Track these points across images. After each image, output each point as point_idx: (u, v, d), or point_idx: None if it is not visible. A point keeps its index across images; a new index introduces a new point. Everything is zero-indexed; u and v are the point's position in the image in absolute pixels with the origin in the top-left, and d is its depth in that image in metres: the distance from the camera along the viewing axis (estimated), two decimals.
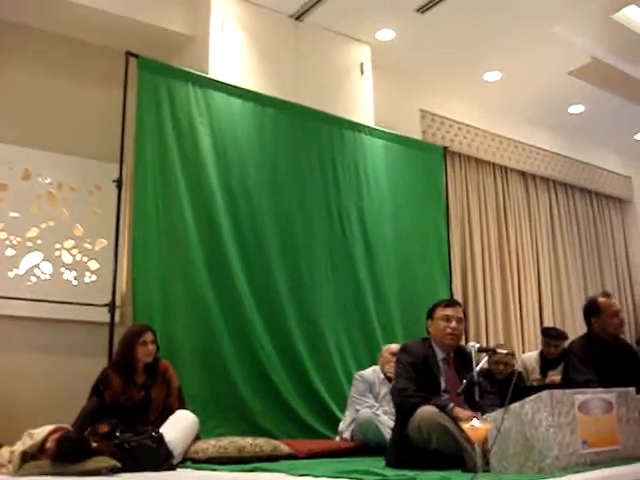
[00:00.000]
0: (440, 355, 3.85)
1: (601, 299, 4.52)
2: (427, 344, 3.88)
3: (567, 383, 4.03)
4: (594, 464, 3.04)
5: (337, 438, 5.17)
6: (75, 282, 5.58)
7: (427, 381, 3.71)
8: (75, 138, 5.75)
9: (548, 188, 9.31)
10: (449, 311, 3.90)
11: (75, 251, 5.62)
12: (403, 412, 3.66)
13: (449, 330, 3.83)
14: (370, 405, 5.01)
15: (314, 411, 5.49)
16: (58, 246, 5.55)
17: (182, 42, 6.05)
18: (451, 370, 3.81)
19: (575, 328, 7.95)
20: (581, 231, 9.61)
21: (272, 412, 5.27)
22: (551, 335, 6.28)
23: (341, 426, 5.17)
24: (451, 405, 3.51)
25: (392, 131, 6.84)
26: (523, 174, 8.95)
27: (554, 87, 7.98)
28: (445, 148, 7.43)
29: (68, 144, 5.70)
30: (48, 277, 5.47)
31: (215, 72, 5.77)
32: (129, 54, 5.31)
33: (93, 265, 5.67)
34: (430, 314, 3.98)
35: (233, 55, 5.94)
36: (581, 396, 3.14)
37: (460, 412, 3.43)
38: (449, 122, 7.97)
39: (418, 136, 7.44)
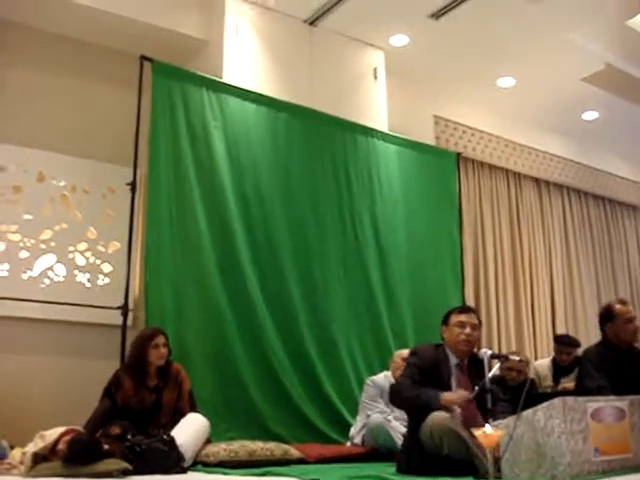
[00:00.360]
0: (453, 361, 3.83)
1: (616, 305, 4.50)
2: (441, 350, 3.87)
3: (580, 390, 4.00)
4: (606, 472, 3.03)
5: (348, 443, 5.17)
6: (88, 284, 5.60)
7: (438, 386, 3.70)
8: (89, 141, 5.78)
9: (561, 195, 9.27)
10: (463, 317, 3.89)
11: (88, 254, 5.65)
12: (392, 401, 3.77)
13: (463, 336, 3.81)
14: (381, 410, 5.00)
15: (325, 416, 5.49)
16: (71, 248, 5.58)
17: (196, 46, 6.07)
18: (464, 376, 3.78)
19: (588, 335, 7.92)
20: (594, 238, 9.56)
21: (283, 417, 5.28)
22: (564, 342, 6.26)
23: (352, 431, 5.16)
24: (440, 394, 3.52)
25: (405, 137, 6.83)
26: (536, 180, 8.93)
27: (568, 93, 7.95)
28: (459, 154, 7.41)
29: (82, 147, 5.73)
30: (61, 279, 5.50)
31: (229, 77, 5.79)
32: (144, 58, 5.33)
33: (106, 268, 5.69)
34: (445, 320, 3.96)
35: (247, 60, 5.96)
36: (594, 404, 3.13)
37: (448, 396, 3.47)
38: (462, 128, 7.96)
39: (431, 142, 7.43)
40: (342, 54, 6.60)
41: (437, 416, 3.40)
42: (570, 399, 3.04)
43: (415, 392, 3.62)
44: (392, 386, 4.00)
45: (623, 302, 4.57)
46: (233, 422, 5.03)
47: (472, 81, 7.60)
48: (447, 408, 3.47)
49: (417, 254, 6.54)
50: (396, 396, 3.80)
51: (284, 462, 4.31)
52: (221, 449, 4.20)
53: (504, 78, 7.66)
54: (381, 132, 6.60)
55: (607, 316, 4.50)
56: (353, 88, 6.58)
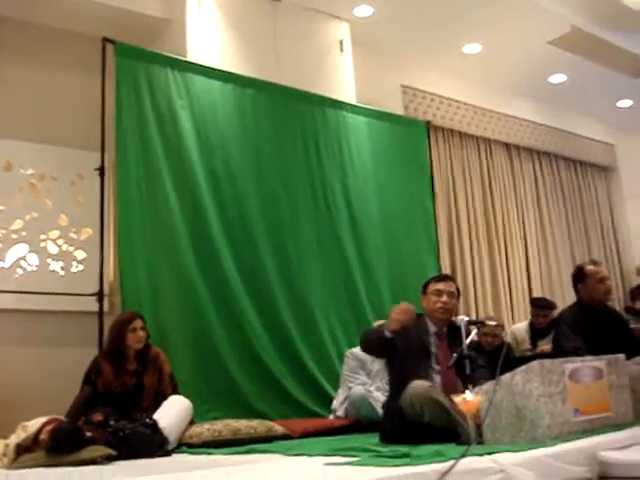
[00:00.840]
0: (432, 329, 3.87)
1: (588, 266, 4.55)
2: (421, 319, 3.90)
3: (557, 352, 4.05)
4: (586, 432, 3.06)
5: (331, 416, 5.20)
6: (62, 272, 5.56)
7: (419, 354, 3.73)
8: (55, 128, 5.70)
9: (532, 158, 9.31)
10: (440, 285, 3.93)
11: (61, 241, 5.59)
12: (367, 340, 3.81)
13: (440, 304, 3.85)
14: (362, 382, 5.03)
15: (307, 390, 5.51)
16: (43, 237, 5.52)
17: (159, 26, 5.98)
18: (443, 344, 3.82)
19: (564, 298, 7.99)
20: (567, 200, 9.62)
21: (265, 393, 5.29)
22: (540, 305, 6.32)
23: (334, 404, 5.19)
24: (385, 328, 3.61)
25: (374, 108, 6.81)
26: (507, 145, 8.95)
27: (535, 57, 7.95)
28: (428, 123, 7.41)
29: (48, 134, 5.65)
30: (35, 268, 5.45)
31: (193, 55, 5.72)
32: (106, 40, 5.24)
33: (79, 255, 5.64)
34: (423, 289, 4.02)
35: (211, 37, 5.88)
36: (571, 365, 3.16)
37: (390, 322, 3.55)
38: (431, 96, 7.94)
39: (400, 112, 7.40)
40: (307, 27, 6.53)
41: (417, 385, 3.43)
42: (547, 361, 3.06)
43: (374, 330, 3.74)
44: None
45: (595, 263, 4.61)
46: (215, 402, 5.03)
47: (439, 49, 7.57)
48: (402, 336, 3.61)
49: (391, 225, 6.54)
50: (362, 340, 3.87)
51: (268, 439, 4.32)
52: (205, 429, 4.20)
53: (470, 45, 7.64)
54: (349, 104, 6.56)
55: (579, 277, 4.55)
56: (319, 61, 6.53)
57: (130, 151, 5.16)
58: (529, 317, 6.56)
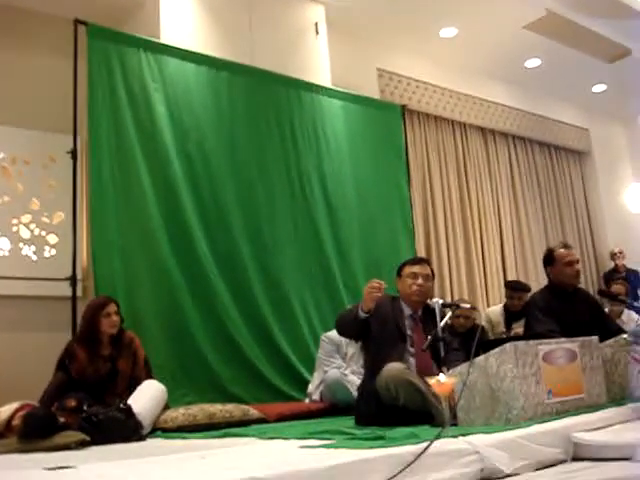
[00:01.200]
0: (407, 312, 3.87)
1: (558, 249, 4.56)
2: (396, 302, 3.91)
3: (529, 336, 4.06)
4: (560, 413, 3.09)
5: (306, 400, 5.20)
6: (34, 257, 5.50)
7: (393, 337, 3.73)
8: (27, 111, 5.62)
9: (507, 143, 9.34)
10: (416, 268, 3.93)
11: (33, 226, 5.53)
12: (342, 321, 3.79)
13: (415, 287, 3.86)
14: (338, 366, 5.04)
15: (282, 374, 5.51)
16: (15, 221, 5.46)
17: (131, 8, 5.90)
18: (418, 327, 3.83)
19: (538, 281, 8.03)
20: (541, 184, 9.68)
21: (240, 377, 5.28)
22: (514, 287, 6.36)
23: (310, 388, 5.20)
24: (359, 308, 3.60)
25: (350, 91, 6.78)
26: (482, 130, 8.97)
27: (510, 41, 7.97)
28: (403, 106, 7.40)
29: (20, 117, 5.58)
30: (7, 253, 5.39)
31: (167, 37, 5.65)
32: (78, 22, 5.17)
33: (52, 239, 5.58)
34: (399, 272, 4.01)
35: (185, 19, 5.81)
36: (545, 346, 3.17)
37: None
38: (407, 80, 7.93)
39: (376, 95, 7.39)
40: (282, 10, 6.47)
41: (392, 367, 3.43)
42: (521, 343, 3.08)
43: (348, 311, 3.73)
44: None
45: (565, 246, 4.63)
46: (190, 386, 5.02)
47: (415, 33, 7.56)
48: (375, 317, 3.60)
49: (367, 209, 6.54)
50: (337, 322, 3.87)
51: (244, 423, 4.30)
52: (180, 414, 4.18)
53: (446, 29, 7.64)
54: (325, 87, 6.53)
55: (549, 259, 4.57)
56: (295, 44, 6.48)
57: (103, 134, 5.11)
58: (504, 300, 6.60)
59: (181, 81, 5.58)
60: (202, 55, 5.75)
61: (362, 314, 3.60)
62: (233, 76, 5.88)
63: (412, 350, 3.75)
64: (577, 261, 4.55)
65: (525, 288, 6.25)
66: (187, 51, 5.67)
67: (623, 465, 2.49)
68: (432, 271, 4.04)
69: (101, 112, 5.13)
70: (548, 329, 4.06)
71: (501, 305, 6.55)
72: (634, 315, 6.43)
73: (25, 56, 5.72)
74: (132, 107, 5.28)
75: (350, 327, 3.76)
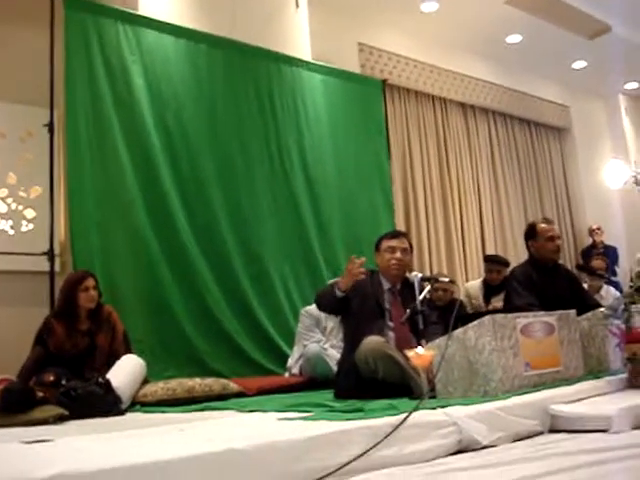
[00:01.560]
0: (386, 286, 3.88)
1: (540, 224, 4.58)
2: (375, 276, 3.91)
3: (508, 309, 4.09)
4: (537, 385, 3.12)
5: (286, 374, 5.22)
6: (11, 232, 5.43)
7: (372, 311, 3.74)
8: (2, 83, 5.51)
9: (487, 119, 9.35)
10: (394, 242, 3.94)
11: (10, 200, 5.45)
12: (321, 298, 3.80)
13: (394, 261, 3.86)
14: (317, 340, 5.05)
15: (262, 348, 5.52)
16: None
17: None
18: (396, 301, 3.84)
19: (517, 256, 8.09)
20: (521, 160, 9.71)
21: (220, 352, 5.29)
22: (493, 261, 6.39)
23: (289, 362, 5.21)
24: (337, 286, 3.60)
25: (330, 65, 6.74)
26: (462, 105, 8.96)
27: (491, 17, 7.95)
28: (384, 81, 7.38)
29: None
30: None
31: (145, 9, 5.58)
32: None
33: (29, 213, 5.51)
34: (377, 246, 4.01)
35: None
36: (523, 319, 3.19)
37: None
38: (387, 55, 7.90)
39: (356, 70, 7.36)
40: None
41: (371, 341, 3.44)
42: (499, 316, 3.09)
43: (327, 288, 3.74)
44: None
45: (547, 221, 4.65)
46: (170, 361, 5.02)
47: (396, 7, 7.52)
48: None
49: (346, 183, 6.54)
50: (316, 299, 3.89)
51: (224, 397, 4.30)
52: (159, 388, 4.17)
53: (427, 3, 7.61)
54: (305, 61, 6.49)
55: (530, 234, 4.60)
56: (274, 17, 6.40)
57: (80, 107, 5.05)
58: (483, 275, 6.64)
59: (159, 53, 5.53)
60: (181, 27, 5.69)
61: (339, 293, 3.59)
62: (212, 49, 5.83)
63: (391, 324, 3.76)
64: (558, 237, 4.58)
65: (504, 262, 6.28)
66: (165, 23, 5.61)
67: (599, 437, 2.52)
68: (410, 244, 4.04)
69: (78, 85, 5.07)
70: (527, 302, 4.09)
71: (480, 280, 6.58)
72: (612, 290, 6.49)
73: (1, 28, 5.62)
74: (110, 79, 5.22)
75: (329, 304, 3.77)
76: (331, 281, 5.31)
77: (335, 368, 4.40)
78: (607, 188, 10.63)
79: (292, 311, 5.73)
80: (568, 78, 10.16)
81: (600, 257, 7.35)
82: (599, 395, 3.16)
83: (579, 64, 9.76)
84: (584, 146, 10.60)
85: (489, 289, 6.24)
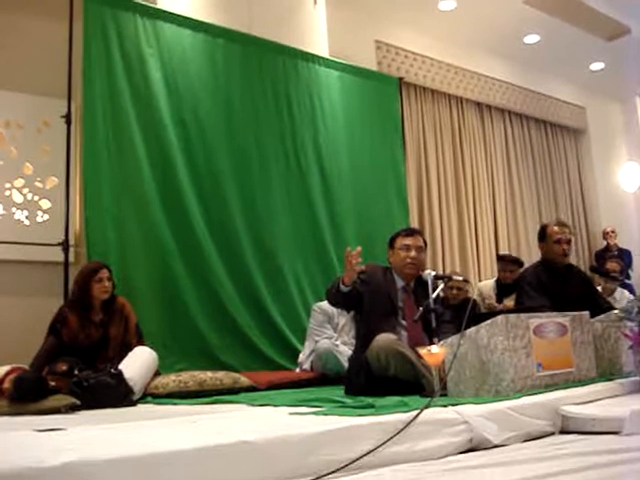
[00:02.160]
0: (400, 284, 3.87)
1: (551, 226, 4.56)
2: (388, 273, 3.90)
3: (521, 309, 4.08)
4: (549, 386, 3.10)
5: (297, 369, 5.23)
6: (27, 222, 5.46)
7: (385, 309, 3.74)
8: (21, 74, 5.54)
9: (503, 118, 9.31)
10: (409, 240, 3.91)
11: (26, 190, 5.48)
12: (329, 292, 3.75)
13: (409, 260, 3.85)
14: (329, 336, 5.06)
15: (273, 344, 5.53)
16: (8, 185, 5.40)
17: None
18: (410, 299, 3.83)
19: (530, 256, 8.06)
20: (536, 161, 9.67)
21: (232, 346, 5.30)
22: (506, 260, 6.38)
23: (301, 357, 5.22)
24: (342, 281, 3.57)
25: (347, 62, 6.74)
26: (478, 104, 8.94)
27: (509, 16, 7.92)
28: (400, 79, 7.37)
29: (14, 81, 5.49)
30: None
31: (164, 2, 5.60)
32: None
33: (45, 204, 5.53)
34: (391, 244, 3.99)
35: None
36: (536, 320, 3.18)
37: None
38: (404, 53, 7.88)
39: (373, 67, 7.36)
40: None
41: (383, 338, 3.44)
42: (512, 316, 3.08)
43: (335, 282, 3.68)
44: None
45: (560, 223, 4.62)
46: (182, 354, 5.04)
47: (413, 5, 7.50)
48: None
49: (362, 181, 6.54)
50: (326, 295, 3.84)
51: (234, 390, 4.32)
52: (170, 380, 4.20)
53: (445, 1, 7.60)
54: (322, 57, 6.49)
55: (541, 235, 4.60)
56: (292, 13, 6.41)
57: (97, 99, 5.07)
58: (496, 274, 6.62)
59: (177, 47, 5.54)
60: (199, 22, 5.70)
61: (344, 287, 3.56)
62: (230, 44, 5.84)
63: (404, 323, 3.75)
64: (568, 241, 4.54)
65: (518, 262, 6.27)
66: (184, 17, 5.62)
67: (610, 439, 2.50)
68: (425, 242, 4.03)
69: (96, 77, 5.09)
70: (540, 304, 4.07)
71: (493, 279, 6.57)
72: (627, 293, 6.47)
73: (20, 19, 5.64)
74: (127, 72, 5.24)
75: (335, 298, 3.74)
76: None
77: (346, 364, 4.41)
78: (622, 191, 10.58)
79: (304, 307, 5.73)
80: (585, 79, 10.11)
81: (616, 260, 7.31)
82: (611, 397, 3.14)
83: (597, 65, 9.72)
84: (600, 148, 10.55)
85: (502, 288, 6.23)
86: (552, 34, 8.47)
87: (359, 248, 3.47)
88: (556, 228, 4.53)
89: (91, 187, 4.94)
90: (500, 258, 6.62)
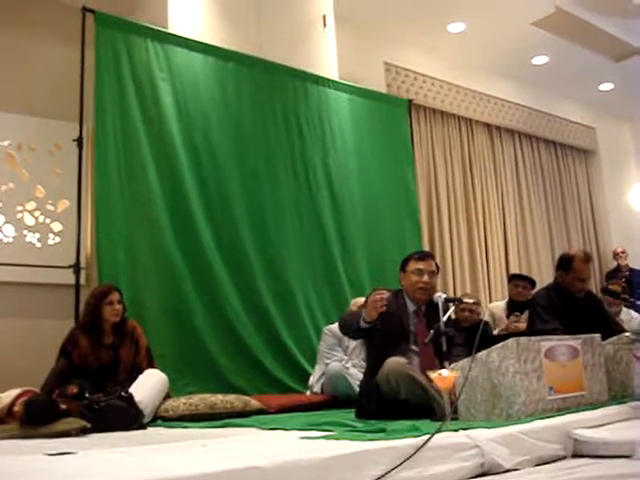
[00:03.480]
0: (411, 307, 3.84)
1: (578, 261, 4.47)
2: (399, 296, 3.88)
3: (532, 332, 4.06)
4: (560, 410, 3.09)
5: (307, 392, 5.21)
6: (39, 244, 5.49)
7: (397, 333, 3.72)
8: (34, 98, 5.60)
9: (513, 140, 9.33)
10: (421, 265, 3.87)
11: (37, 213, 5.52)
12: (346, 326, 3.74)
13: (421, 284, 3.80)
14: (339, 359, 5.04)
15: (284, 366, 5.52)
16: (20, 208, 5.44)
17: None
18: (421, 322, 3.80)
19: (541, 276, 8.08)
20: (546, 182, 9.67)
21: (242, 369, 5.29)
22: (518, 277, 6.37)
23: (311, 380, 5.20)
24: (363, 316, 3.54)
25: (356, 84, 6.78)
26: (488, 126, 8.96)
27: (518, 38, 7.96)
28: (410, 101, 7.40)
29: (27, 104, 5.56)
30: (11, 240, 5.38)
31: (175, 27, 5.64)
32: (85, 10, 5.18)
33: (56, 227, 5.57)
34: (403, 267, 3.94)
35: (193, 9, 5.80)
36: (547, 343, 3.17)
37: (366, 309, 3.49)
38: (414, 75, 7.93)
39: (383, 89, 7.39)
40: (290, 2, 6.45)
41: (394, 361, 3.43)
42: (524, 339, 3.07)
43: (352, 315, 3.71)
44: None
45: (586, 258, 4.53)
46: (192, 376, 5.03)
47: (422, 27, 7.56)
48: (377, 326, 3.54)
49: (372, 202, 6.55)
50: (340, 325, 3.84)
51: (245, 414, 4.32)
52: (181, 403, 4.20)
53: (454, 24, 7.63)
54: (332, 80, 6.52)
55: (565, 264, 4.51)
56: (302, 36, 6.46)
57: (109, 123, 5.11)
58: (506, 296, 6.60)
59: (188, 71, 5.58)
60: (209, 45, 5.74)
61: (364, 324, 3.53)
62: (240, 67, 5.88)
63: (415, 348, 3.73)
64: (589, 277, 4.52)
65: (529, 278, 6.26)
66: (194, 41, 5.67)
67: (622, 463, 2.49)
68: (437, 266, 4.01)
69: (108, 101, 5.13)
70: (552, 327, 4.05)
71: (505, 301, 6.55)
72: (633, 313, 6.44)
73: (32, 43, 5.71)
74: (139, 96, 5.28)
75: (354, 333, 3.75)
76: (352, 301, 5.33)
77: (356, 387, 4.39)
78: (633, 211, 10.56)
79: (315, 329, 5.72)
80: (594, 100, 10.13)
81: (617, 281, 7.30)
82: (623, 421, 3.13)
83: (606, 86, 9.74)
84: (610, 168, 10.55)
85: (514, 307, 6.20)
86: (561, 55, 8.51)
87: (386, 293, 3.45)
88: (583, 265, 4.46)
89: (102, 210, 4.96)
90: (512, 277, 6.60)
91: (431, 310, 3.79)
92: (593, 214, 10.38)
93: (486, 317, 6.39)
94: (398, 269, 4.01)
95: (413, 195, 6.96)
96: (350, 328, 3.70)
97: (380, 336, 3.71)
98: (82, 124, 5.11)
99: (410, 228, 6.84)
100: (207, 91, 5.65)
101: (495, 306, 6.65)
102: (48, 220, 5.55)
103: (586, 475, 2.31)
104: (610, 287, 6.87)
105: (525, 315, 5.34)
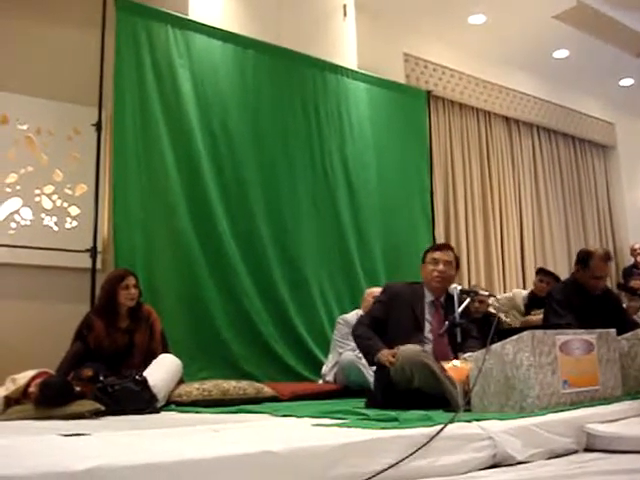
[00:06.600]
0: (429, 298, 3.86)
1: (596, 260, 4.44)
2: (418, 287, 3.91)
3: (547, 326, 4.05)
4: (574, 404, 3.08)
5: (320, 381, 5.23)
6: (56, 228, 5.51)
7: (411, 323, 3.73)
8: (53, 82, 5.61)
9: (531, 133, 9.28)
10: (437, 254, 3.92)
11: (55, 197, 5.54)
12: (358, 345, 3.88)
13: (436, 273, 3.84)
14: (353, 348, 5.01)
15: (297, 355, 5.54)
16: (38, 192, 5.47)
17: None
18: (438, 313, 3.81)
19: (557, 271, 7.98)
20: (564, 176, 9.62)
21: (255, 356, 5.32)
22: (545, 272, 6.36)
23: (324, 369, 5.22)
24: (380, 352, 3.58)
25: (375, 75, 6.76)
26: (507, 119, 8.91)
27: (539, 31, 7.89)
28: (429, 92, 7.37)
29: (46, 88, 5.57)
30: (28, 223, 5.40)
31: (195, 13, 5.65)
32: None
33: (74, 211, 5.59)
34: (423, 258, 4.01)
35: None
36: (562, 336, 3.16)
37: (382, 356, 3.54)
38: (433, 66, 7.89)
39: (401, 80, 7.36)
40: None
41: (408, 349, 3.43)
42: (539, 332, 3.06)
43: (365, 338, 3.75)
44: (356, 321, 4.07)
45: (606, 257, 4.49)
46: (206, 362, 5.06)
47: (443, 18, 7.51)
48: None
49: (388, 193, 6.54)
50: (353, 332, 3.91)
51: (257, 400, 4.34)
52: (194, 389, 4.22)
53: (475, 15, 7.58)
54: (350, 70, 6.52)
55: (583, 261, 4.48)
56: (322, 25, 6.45)
57: (128, 108, 5.13)
58: (527, 288, 6.59)
59: (207, 58, 5.59)
60: (229, 33, 5.75)
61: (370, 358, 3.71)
62: (259, 55, 5.88)
63: (429, 337, 3.74)
64: (607, 276, 4.50)
65: (555, 277, 6.25)
66: (214, 28, 5.67)
67: (635, 458, 2.48)
68: (457, 258, 4.02)
69: (127, 86, 5.15)
70: (567, 322, 4.03)
71: (528, 291, 6.54)
72: None
73: (53, 28, 5.71)
74: (158, 82, 5.30)
75: (357, 346, 3.94)
76: (367, 291, 5.32)
77: (369, 377, 4.40)
78: None
79: (329, 319, 5.74)
80: (614, 95, 10.03)
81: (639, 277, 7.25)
82: (636, 416, 3.11)
83: (626, 81, 9.65)
84: (629, 164, 10.47)
85: (534, 301, 6.19)
86: (581, 49, 8.43)
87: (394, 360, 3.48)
88: (601, 263, 4.44)
89: (120, 195, 4.99)
90: (539, 270, 6.59)
91: (449, 302, 3.80)
92: (610, 210, 10.32)
93: (505, 299, 6.41)
94: (412, 258, 4.05)
95: (426, 187, 6.96)
96: (361, 351, 3.88)
97: (394, 325, 3.74)
98: (101, 109, 5.13)
99: (422, 219, 6.83)
100: (226, 78, 5.66)
101: (518, 292, 6.66)
102: (66, 204, 5.57)
103: (598, 469, 2.30)
104: (633, 284, 6.83)
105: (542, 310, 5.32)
